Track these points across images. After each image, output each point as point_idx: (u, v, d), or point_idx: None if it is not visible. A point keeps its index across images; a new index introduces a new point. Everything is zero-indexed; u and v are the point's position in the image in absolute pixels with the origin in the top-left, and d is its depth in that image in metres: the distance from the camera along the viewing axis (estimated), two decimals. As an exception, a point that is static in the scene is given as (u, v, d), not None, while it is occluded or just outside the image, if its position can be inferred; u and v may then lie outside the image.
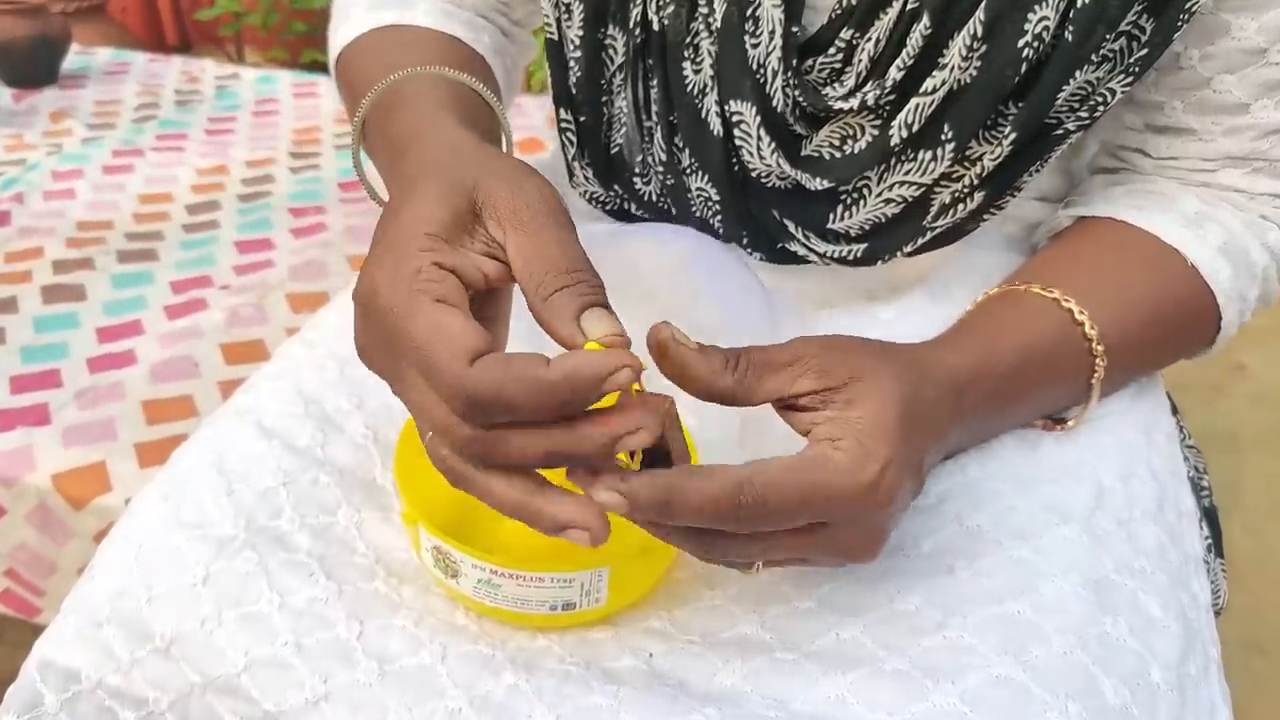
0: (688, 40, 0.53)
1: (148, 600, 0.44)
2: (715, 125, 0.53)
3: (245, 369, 0.85)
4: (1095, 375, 0.50)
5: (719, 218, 0.56)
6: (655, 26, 0.53)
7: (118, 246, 1.04)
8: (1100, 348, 0.49)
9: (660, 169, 0.57)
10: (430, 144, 0.43)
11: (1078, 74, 0.48)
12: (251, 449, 0.50)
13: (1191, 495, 0.55)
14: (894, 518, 0.39)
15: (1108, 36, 0.47)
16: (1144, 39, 0.48)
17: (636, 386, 0.35)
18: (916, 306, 0.56)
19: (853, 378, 0.39)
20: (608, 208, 0.61)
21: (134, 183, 1.18)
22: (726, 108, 0.52)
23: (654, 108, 0.56)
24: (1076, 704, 0.39)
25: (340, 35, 0.60)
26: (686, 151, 0.55)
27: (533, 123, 1.34)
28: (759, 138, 0.52)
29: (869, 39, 0.50)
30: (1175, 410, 0.67)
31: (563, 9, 0.55)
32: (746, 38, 0.51)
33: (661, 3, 0.53)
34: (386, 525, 0.48)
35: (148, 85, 1.45)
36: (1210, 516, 0.65)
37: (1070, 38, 0.47)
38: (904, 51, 0.48)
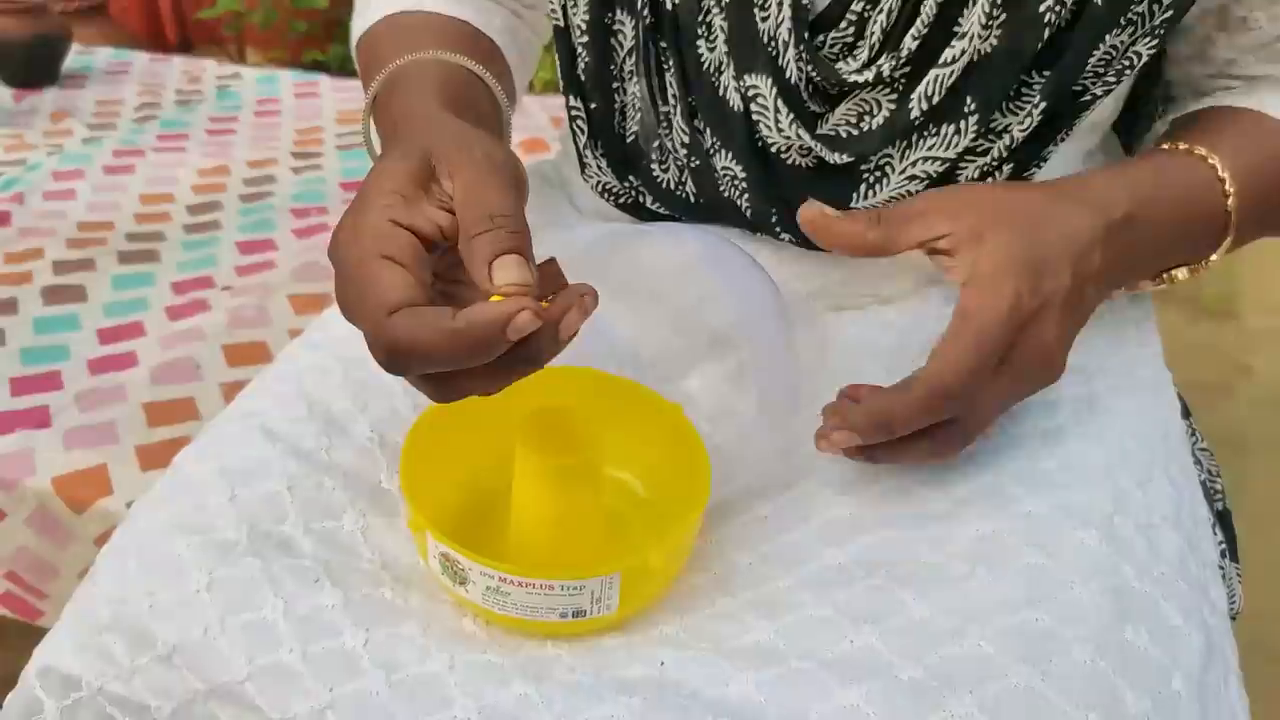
0: (700, 19, 0.53)
1: (149, 606, 0.44)
2: (735, 101, 0.53)
3: (247, 371, 0.84)
4: (1227, 237, 0.52)
5: (746, 197, 0.55)
6: (667, 7, 0.53)
7: (118, 247, 1.04)
8: (1233, 203, 0.51)
9: (683, 151, 0.56)
10: (409, 124, 0.46)
11: (1108, 38, 0.49)
12: (255, 453, 0.49)
13: (1204, 500, 0.54)
14: (1053, 331, 0.45)
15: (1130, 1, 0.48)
16: (1165, 1, 0.48)
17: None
18: (930, 311, 0.56)
19: (982, 217, 0.45)
20: (621, 200, 0.61)
21: (135, 183, 1.17)
22: (742, 82, 0.52)
23: (670, 90, 0.55)
24: (1097, 714, 0.38)
25: (360, 21, 0.62)
26: (708, 131, 0.55)
27: (536, 122, 1.33)
28: (776, 110, 0.52)
29: (880, 9, 0.49)
30: (1188, 413, 0.66)
31: None
32: (756, 10, 0.51)
33: None
34: (393, 530, 0.47)
35: (148, 85, 1.44)
36: (1224, 520, 0.64)
37: (1100, 1, 0.47)
38: (918, 20, 0.48)
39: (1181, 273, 0.54)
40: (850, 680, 0.40)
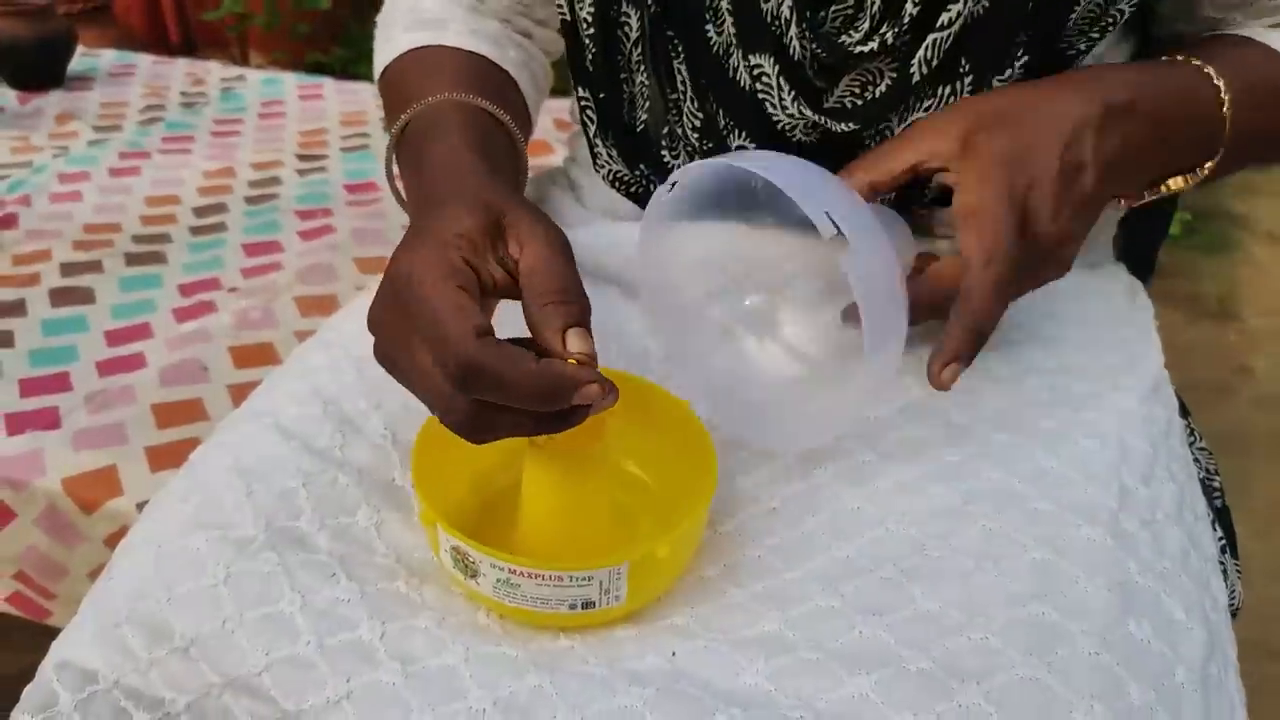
0: (708, 3, 0.54)
1: (167, 601, 0.44)
2: (745, 80, 0.54)
3: (255, 372, 0.85)
4: (1219, 147, 0.54)
5: None
6: None
7: (125, 249, 1.04)
8: (1228, 111, 0.53)
9: (695, 136, 0.57)
10: (455, 172, 0.48)
11: None
12: (270, 450, 0.50)
13: (1203, 497, 0.55)
14: (1046, 213, 0.47)
15: None
16: None
17: None
18: None
19: (967, 123, 0.48)
20: (631, 189, 0.62)
21: (141, 185, 1.17)
22: (748, 61, 0.53)
23: (679, 77, 0.56)
24: (1102, 704, 0.39)
25: (382, 56, 0.64)
26: (721, 112, 0.56)
27: (540, 125, 1.34)
28: (780, 88, 0.53)
29: None
30: (1187, 412, 0.67)
31: None
32: None
33: None
34: (406, 526, 0.48)
35: (153, 87, 1.45)
36: (1223, 517, 0.65)
37: None
38: None
39: (1176, 182, 0.55)
40: (859, 670, 0.40)
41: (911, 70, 0.52)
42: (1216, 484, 0.66)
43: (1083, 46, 0.53)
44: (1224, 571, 0.59)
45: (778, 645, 0.42)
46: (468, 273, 0.41)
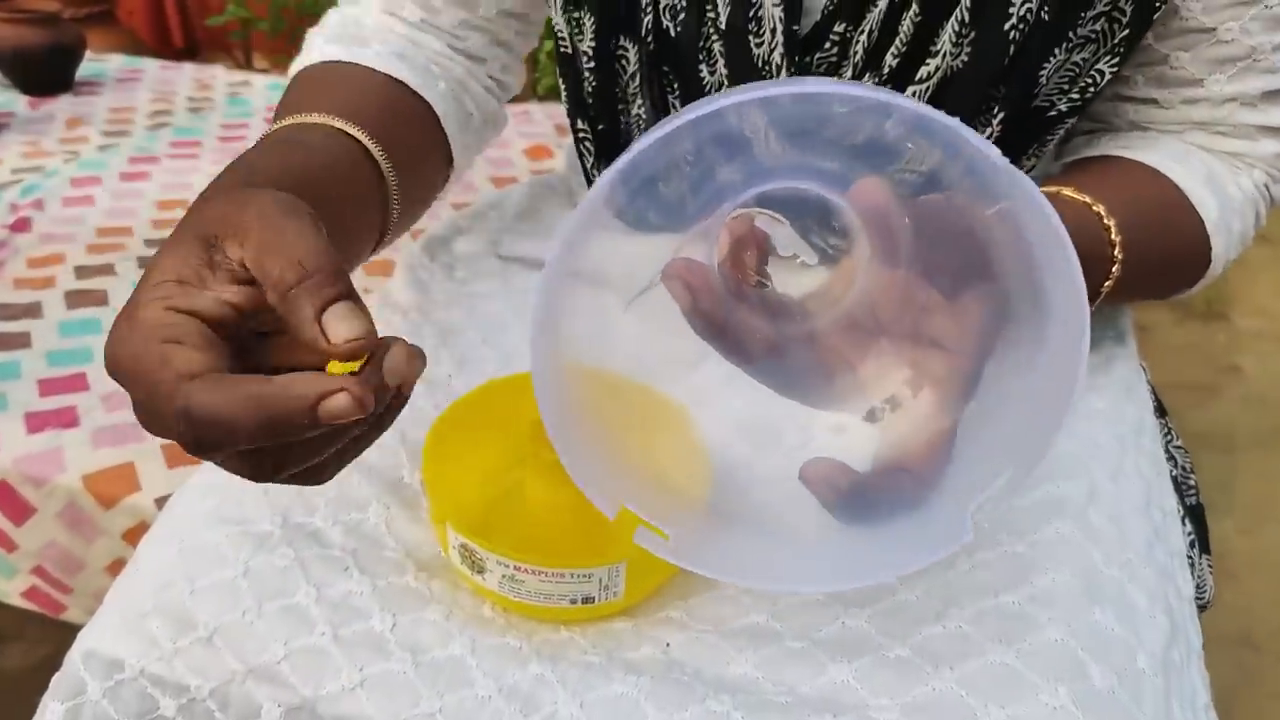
0: (701, 45, 0.55)
1: (191, 592, 0.47)
2: None
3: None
4: (1107, 282, 0.51)
5: None
6: (671, 33, 0.56)
7: (137, 252, 1.07)
8: (1120, 255, 0.50)
9: (688, 169, 0.59)
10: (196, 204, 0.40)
11: (1058, 51, 0.51)
12: (286, 450, 0.52)
13: (1173, 494, 0.58)
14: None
15: (1083, 15, 0.50)
16: (1124, 20, 0.51)
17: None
18: None
19: None
20: (628, 217, 0.64)
21: (151, 189, 1.20)
22: None
23: (673, 110, 0.58)
24: (1066, 687, 0.41)
25: (296, 63, 0.59)
26: None
27: (541, 130, 1.36)
28: (767, 129, 0.55)
29: (862, 31, 0.52)
30: (1165, 412, 0.69)
31: (574, 23, 0.58)
32: (751, 38, 0.54)
33: (674, 10, 0.55)
34: (414, 522, 0.50)
35: (160, 92, 1.47)
36: (1196, 514, 0.68)
37: (1047, 17, 0.49)
38: (896, 40, 0.51)
39: None
40: (841, 658, 0.43)
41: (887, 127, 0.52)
42: (1191, 481, 0.69)
43: (1064, 107, 0.54)
44: (1192, 565, 0.62)
45: (765, 636, 0.44)
46: (177, 323, 0.32)
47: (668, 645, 0.45)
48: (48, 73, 1.41)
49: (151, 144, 1.31)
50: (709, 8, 0.54)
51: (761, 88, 0.31)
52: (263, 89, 1.49)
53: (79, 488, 0.75)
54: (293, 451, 0.33)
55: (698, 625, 0.45)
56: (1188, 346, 1.70)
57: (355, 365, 0.32)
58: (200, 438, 0.31)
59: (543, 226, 0.72)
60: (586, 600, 0.44)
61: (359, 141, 0.49)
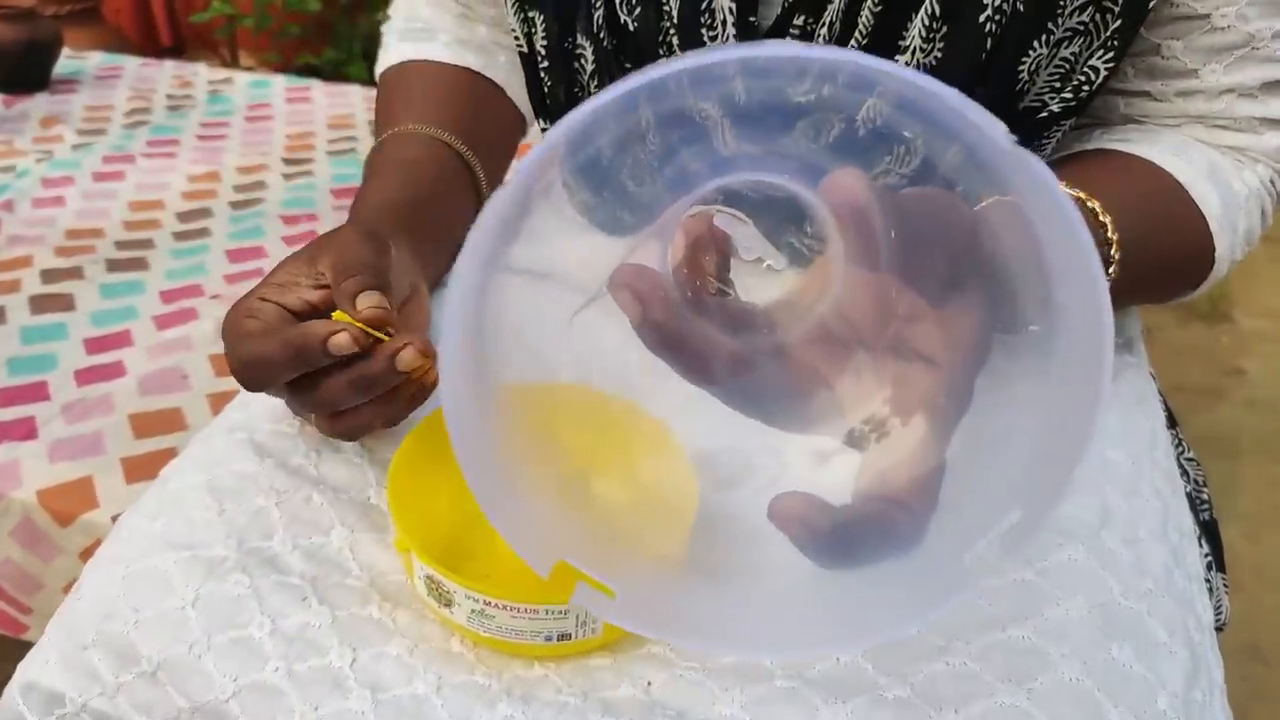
0: (660, 39, 0.53)
1: (135, 623, 0.43)
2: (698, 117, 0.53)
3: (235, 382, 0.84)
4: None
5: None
6: (629, 28, 0.54)
7: (107, 255, 1.03)
8: (1116, 255, 0.48)
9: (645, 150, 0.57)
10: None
11: (1037, 44, 0.47)
12: (243, 467, 0.49)
13: (1189, 513, 0.54)
14: None
15: (1064, 6, 0.46)
16: (1116, 10, 0.47)
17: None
18: None
19: None
20: (598, 216, 0.61)
21: (125, 190, 1.17)
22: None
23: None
24: (1082, 733, 0.38)
25: (381, 60, 0.67)
26: None
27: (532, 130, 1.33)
28: (723, 128, 0.52)
29: (822, 24, 0.50)
30: (1175, 422, 0.66)
31: (527, 23, 0.56)
32: (704, 30, 0.51)
33: (630, 4, 0.53)
34: (381, 547, 0.47)
35: (139, 90, 1.44)
36: (1210, 530, 0.64)
37: (1022, 7, 0.46)
38: (855, 32, 0.48)
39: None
40: (835, 699, 0.40)
41: (857, 127, 0.49)
42: (1205, 496, 0.66)
43: (1056, 108, 0.50)
44: (1209, 587, 0.59)
45: (754, 674, 0.41)
46: (263, 309, 0.46)
47: (649, 684, 0.41)
48: (23, 70, 1.38)
49: (128, 143, 1.28)
50: (664, 1, 0.52)
51: (728, 49, 0.26)
52: (244, 87, 1.46)
53: (34, 504, 0.71)
54: (323, 388, 0.45)
55: (682, 662, 0.42)
56: (1191, 348, 1.67)
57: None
58: (249, 374, 0.45)
59: (526, 227, 0.69)
60: (563, 638, 0.41)
61: (451, 146, 0.59)
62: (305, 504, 0.48)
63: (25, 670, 0.45)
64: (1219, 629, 0.57)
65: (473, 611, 0.40)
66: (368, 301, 0.45)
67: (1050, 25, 0.47)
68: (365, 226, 0.49)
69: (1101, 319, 0.26)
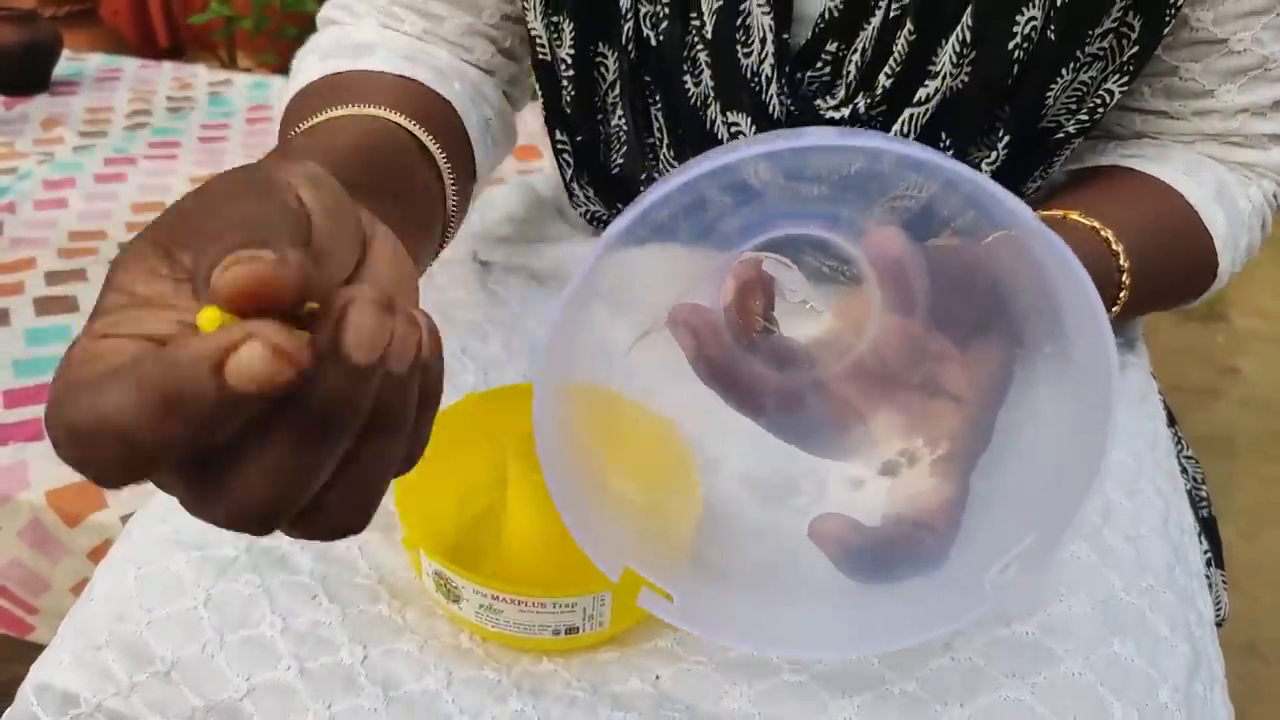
0: (685, 54, 0.53)
1: (148, 623, 0.44)
2: (722, 134, 0.53)
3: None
4: (1114, 307, 0.50)
5: None
6: (652, 42, 0.53)
7: (110, 257, 1.04)
8: (1127, 280, 0.50)
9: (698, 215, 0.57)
10: None
11: (1065, 72, 0.49)
12: (252, 467, 0.49)
13: (1190, 510, 0.55)
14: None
15: (1092, 33, 0.48)
16: (1134, 36, 0.49)
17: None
18: None
19: None
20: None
21: (127, 191, 1.17)
22: (726, 117, 0.52)
23: (656, 123, 0.55)
24: (1085, 726, 0.39)
25: (291, 87, 0.54)
26: None
27: (528, 129, 1.34)
28: (772, 190, 0.52)
29: (855, 49, 0.50)
30: (1173, 420, 0.67)
31: (553, 29, 0.55)
32: (739, 48, 0.51)
33: (655, 18, 0.52)
34: (389, 546, 0.47)
35: (139, 92, 1.44)
36: (1209, 527, 0.65)
37: (1053, 36, 0.47)
38: (890, 59, 0.48)
39: None
40: (842, 693, 0.40)
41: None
42: (1203, 493, 0.66)
43: (1072, 129, 0.52)
44: (1209, 584, 0.59)
45: (761, 668, 0.42)
46: (107, 345, 0.23)
47: (657, 678, 0.42)
48: (23, 72, 1.38)
49: (129, 145, 1.28)
50: (693, 16, 0.52)
51: (767, 141, 0.29)
52: (244, 88, 1.46)
53: (43, 505, 0.72)
54: (246, 468, 0.22)
55: (690, 656, 0.43)
56: (1187, 348, 1.68)
57: None
58: (89, 456, 0.21)
59: (525, 231, 0.69)
60: (570, 631, 0.41)
61: (403, 126, 0.46)
62: (314, 502, 0.48)
63: (39, 671, 0.45)
64: (1219, 624, 0.58)
65: (481, 606, 0.41)
66: (255, 266, 0.21)
67: (1078, 53, 0.48)
68: (251, 167, 0.27)
69: (1106, 350, 0.29)
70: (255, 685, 0.42)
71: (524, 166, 1.23)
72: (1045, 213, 0.51)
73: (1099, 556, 0.45)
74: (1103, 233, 0.49)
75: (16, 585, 0.76)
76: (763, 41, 0.50)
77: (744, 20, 0.50)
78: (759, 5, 0.50)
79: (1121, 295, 0.50)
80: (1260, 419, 1.56)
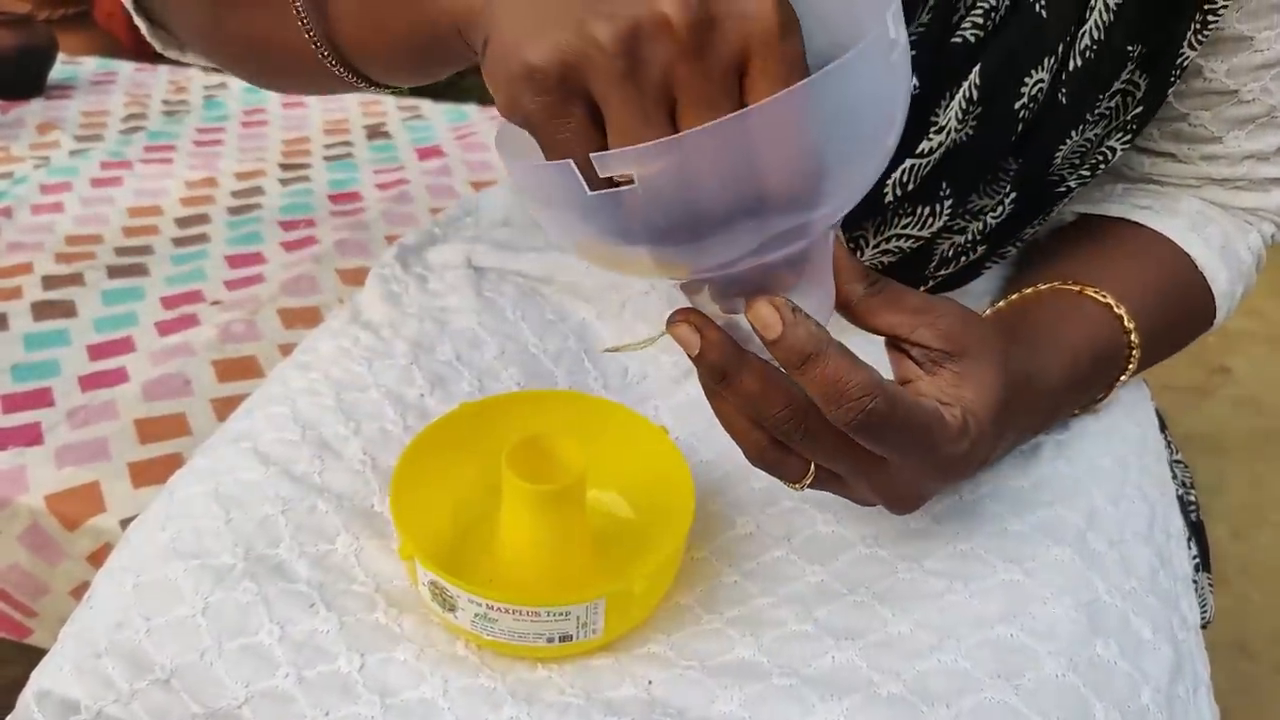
0: None
1: (147, 631, 0.45)
2: None
3: (238, 386, 0.85)
4: (1122, 377, 0.53)
5: None
6: None
7: (107, 261, 1.04)
8: (1137, 355, 0.52)
9: None
10: None
11: (1074, 134, 0.50)
12: (249, 476, 0.50)
13: (1180, 515, 0.56)
14: (949, 488, 0.43)
15: (1100, 96, 0.49)
16: (1139, 95, 0.50)
17: None
18: None
19: (969, 352, 0.40)
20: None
21: (123, 196, 1.17)
22: None
23: None
24: (1068, 727, 0.39)
25: None
26: None
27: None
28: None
29: None
30: (1164, 425, 0.67)
31: None
32: None
33: None
34: (386, 554, 0.48)
35: (135, 96, 1.44)
36: (1197, 531, 0.66)
37: (1064, 100, 0.49)
38: None
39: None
40: (831, 696, 0.41)
41: (885, 191, 0.50)
42: (1193, 498, 0.67)
43: (1074, 183, 0.53)
44: (1196, 587, 0.60)
45: (752, 672, 0.42)
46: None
47: (650, 683, 0.42)
48: (18, 75, 1.38)
49: (125, 149, 1.28)
50: None
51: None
52: (239, 92, 1.47)
53: (41, 508, 0.72)
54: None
55: (682, 661, 0.43)
56: (1178, 348, 1.69)
57: None
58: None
59: (520, 235, 0.70)
60: (564, 639, 0.42)
61: None
62: (310, 512, 0.49)
63: (39, 678, 0.46)
64: (1203, 627, 0.59)
65: (476, 615, 0.41)
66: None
67: (1088, 115, 0.50)
68: None
69: None
70: (253, 693, 0.42)
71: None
72: (1062, 285, 0.52)
73: (1083, 560, 0.46)
74: (1117, 309, 0.51)
75: (15, 589, 0.76)
76: None
77: None
78: None
79: (1130, 367, 0.52)
80: (1251, 418, 1.57)
